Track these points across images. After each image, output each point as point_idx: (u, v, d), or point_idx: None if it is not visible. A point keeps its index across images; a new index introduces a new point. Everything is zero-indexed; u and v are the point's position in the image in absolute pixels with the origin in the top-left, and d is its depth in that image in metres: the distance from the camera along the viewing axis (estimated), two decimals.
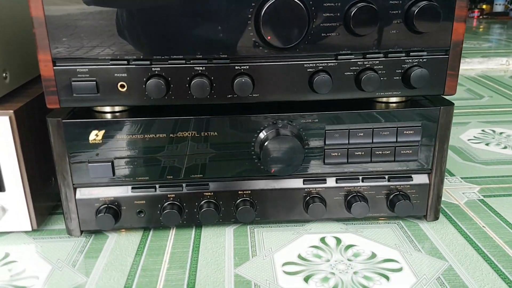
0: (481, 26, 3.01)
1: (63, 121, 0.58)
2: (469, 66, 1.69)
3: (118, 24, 0.53)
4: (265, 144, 0.58)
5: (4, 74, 0.63)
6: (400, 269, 0.57)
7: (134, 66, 0.55)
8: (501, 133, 1.04)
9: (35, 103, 0.65)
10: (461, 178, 0.82)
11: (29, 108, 0.63)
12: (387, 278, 0.55)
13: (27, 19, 0.68)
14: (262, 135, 0.60)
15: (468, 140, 1.00)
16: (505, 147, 0.95)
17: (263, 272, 0.57)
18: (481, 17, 3.40)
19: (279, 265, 0.58)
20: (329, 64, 0.57)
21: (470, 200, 0.74)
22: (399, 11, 0.55)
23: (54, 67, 0.55)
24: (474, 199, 0.74)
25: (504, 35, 2.55)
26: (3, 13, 0.63)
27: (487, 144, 0.97)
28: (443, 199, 0.74)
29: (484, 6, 3.50)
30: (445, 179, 0.80)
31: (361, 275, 0.56)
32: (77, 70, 0.55)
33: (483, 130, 1.06)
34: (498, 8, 3.48)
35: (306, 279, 0.55)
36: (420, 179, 0.64)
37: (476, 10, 3.43)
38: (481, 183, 0.80)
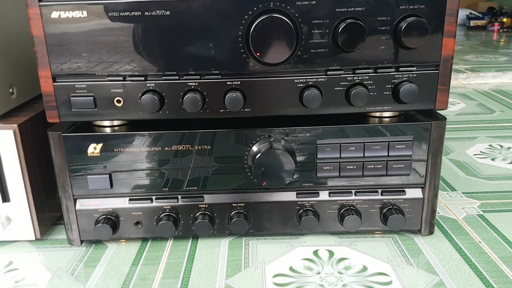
0: (501, 40, 2.97)
1: (63, 134, 0.60)
2: (483, 81, 1.68)
3: (113, 42, 0.56)
4: (256, 157, 0.59)
5: (11, 90, 0.66)
6: (389, 283, 0.57)
7: (129, 82, 0.57)
8: (508, 148, 1.03)
9: (39, 118, 0.68)
10: (462, 193, 0.82)
11: (33, 122, 0.66)
12: None
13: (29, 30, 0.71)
14: (254, 148, 0.61)
15: (474, 155, 0.99)
16: (511, 162, 0.94)
17: (253, 283, 0.58)
18: (501, 30, 3.36)
19: (269, 276, 0.59)
20: (319, 80, 0.58)
21: (469, 215, 0.73)
22: (388, 27, 0.56)
23: (54, 83, 0.57)
24: (473, 214, 0.74)
25: None
26: (11, 30, 0.66)
27: (493, 159, 0.97)
28: (441, 213, 0.74)
29: (504, 20, 3.46)
30: (446, 194, 0.81)
31: (350, 287, 0.57)
32: (76, 86, 0.58)
33: (490, 145, 1.05)
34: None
35: None
36: (414, 193, 0.64)
37: (496, 24, 3.40)
38: (482, 198, 0.79)
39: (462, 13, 3.91)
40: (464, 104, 1.40)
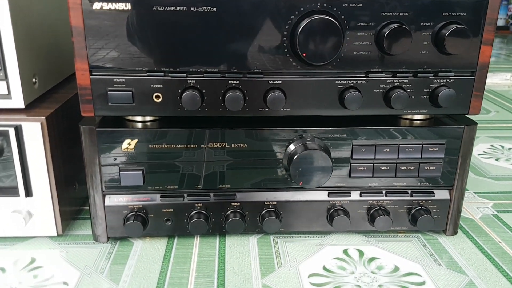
0: None
1: (96, 129, 0.58)
2: None
3: (156, 37, 0.54)
4: (295, 157, 0.59)
5: (33, 80, 0.64)
6: (423, 283, 0.58)
7: (170, 78, 0.56)
8: (509, 148, 1.06)
9: (64, 109, 0.66)
10: (475, 192, 0.84)
11: (59, 114, 0.64)
12: None
13: (55, 24, 0.68)
14: (290, 148, 0.61)
15: (479, 155, 1.02)
16: None
17: (290, 283, 0.58)
18: None
19: (305, 276, 0.59)
20: (360, 81, 0.58)
21: (485, 215, 0.75)
22: (430, 33, 0.56)
23: (91, 76, 0.56)
24: (489, 214, 0.76)
25: (505, 49, 2.59)
26: (33, 19, 0.64)
27: (496, 159, 0.99)
28: None
29: None
30: None
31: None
32: (114, 80, 0.56)
33: (492, 145, 1.07)
34: (499, 22, 3.52)
35: None
36: (442, 194, 0.65)
37: None
38: (494, 198, 0.82)
39: None
40: None
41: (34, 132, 0.60)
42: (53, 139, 0.62)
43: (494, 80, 1.71)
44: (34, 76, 0.64)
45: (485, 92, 1.55)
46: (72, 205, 0.71)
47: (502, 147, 1.07)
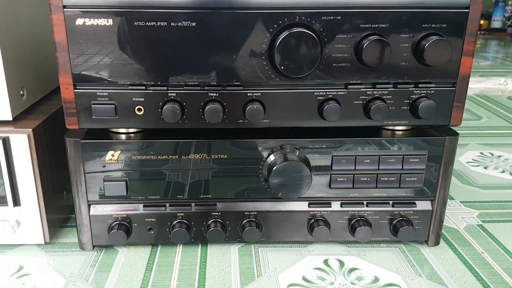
0: (478, 42, 3.04)
1: (81, 141, 0.60)
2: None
3: (137, 51, 0.55)
4: (274, 169, 0.60)
5: (21, 92, 0.65)
6: None
7: (151, 91, 0.57)
8: (499, 156, 1.06)
9: (51, 121, 0.67)
10: (460, 202, 0.84)
11: (45, 125, 0.65)
12: None
13: (42, 36, 0.69)
14: (270, 159, 0.62)
15: (467, 162, 1.02)
16: (503, 171, 0.98)
17: None
18: (478, 32, 3.43)
19: (284, 286, 0.60)
20: (339, 93, 0.59)
21: (469, 225, 0.76)
22: (409, 44, 0.57)
23: (75, 90, 0.57)
24: (473, 224, 0.76)
25: (501, 53, 2.59)
26: (22, 32, 0.65)
27: (485, 168, 1.00)
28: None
29: (481, 22, 3.54)
30: None
31: None
32: (97, 93, 0.57)
33: (481, 153, 1.08)
34: (496, 24, 3.52)
35: None
36: (423, 205, 0.66)
37: None
38: (480, 207, 0.82)
39: None
40: None
41: (21, 144, 0.61)
42: (40, 150, 0.63)
43: (488, 84, 1.72)
44: (22, 88, 0.65)
45: (477, 97, 1.56)
46: (60, 213, 0.72)
47: (492, 154, 1.07)
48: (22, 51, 0.65)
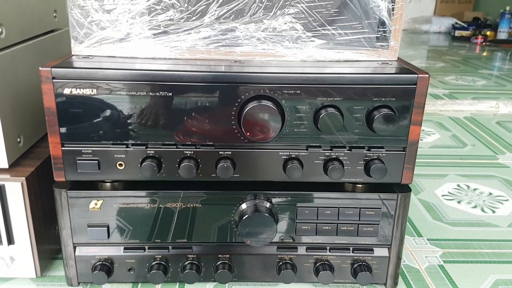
0: (484, 54, 3.07)
1: (67, 191, 0.66)
2: (459, 108, 1.76)
3: (119, 116, 0.62)
4: (242, 219, 0.66)
5: (18, 139, 0.72)
6: None
7: (132, 149, 0.64)
8: (475, 189, 1.11)
9: (44, 167, 0.73)
10: (428, 239, 0.90)
11: (38, 172, 0.72)
12: None
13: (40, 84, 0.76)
14: (242, 207, 0.68)
15: (442, 195, 1.08)
16: (475, 206, 1.03)
17: None
18: (484, 43, 3.45)
19: None
20: (301, 153, 0.65)
21: (431, 265, 0.82)
22: (362, 115, 0.63)
23: (62, 148, 0.63)
24: (435, 264, 0.82)
25: (507, 64, 2.62)
26: (20, 82, 0.72)
27: (459, 202, 1.05)
28: (406, 262, 0.82)
29: (488, 33, 3.56)
30: (412, 240, 0.89)
31: None
32: (82, 150, 0.64)
33: (458, 185, 1.13)
34: (502, 35, 3.53)
35: None
36: (380, 252, 0.72)
37: (480, 37, 3.49)
38: (445, 246, 0.88)
39: (448, 22, 4.01)
40: (439, 135, 1.49)
41: (15, 190, 0.68)
42: (33, 194, 0.70)
43: (479, 107, 1.76)
44: (19, 136, 0.72)
45: (466, 122, 1.60)
46: (51, 244, 0.78)
47: (468, 187, 1.12)
48: (19, 101, 0.71)
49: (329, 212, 0.69)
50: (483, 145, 1.41)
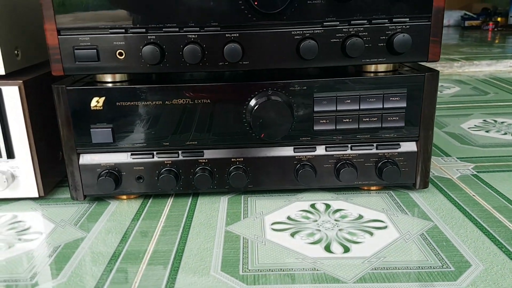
0: (496, 37, 3.00)
1: (66, 88, 0.62)
2: (478, 69, 1.70)
3: None
4: (254, 109, 0.61)
5: (16, 51, 0.68)
6: (384, 227, 0.59)
7: (131, 34, 0.59)
8: (502, 122, 1.05)
9: (44, 78, 0.69)
10: (457, 158, 0.83)
11: (38, 80, 0.68)
12: (370, 233, 0.57)
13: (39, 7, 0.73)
14: (252, 102, 0.63)
15: (469, 128, 1.01)
16: (505, 133, 0.96)
17: (252, 229, 0.59)
18: (495, 29, 3.39)
19: (268, 224, 0.61)
20: (316, 31, 0.60)
21: (463, 175, 0.75)
22: None
23: (59, 36, 0.59)
24: (468, 174, 0.76)
25: None
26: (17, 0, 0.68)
27: (487, 131, 0.98)
28: (436, 174, 0.76)
29: (499, 19, 3.50)
30: (440, 159, 0.83)
31: (346, 231, 0.58)
32: (79, 38, 0.59)
33: (484, 120, 1.07)
34: None
35: (293, 235, 0.58)
36: (408, 146, 0.66)
37: (491, 23, 3.43)
38: (476, 161, 0.81)
39: (457, 14, 3.95)
40: (459, 88, 1.42)
41: (12, 96, 0.64)
42: (33, 103, 0.66)
43: (498, 67, 1.69)
44: (17, 48, 0.68)
45: (487, 78, 1.53)
46: (56, 173, 0.74)
47: (495, 121, 1.06)
48: (17, 14, 0.68)
49: (349, 100, 0.63)
50: (506, 93, 1.34)
